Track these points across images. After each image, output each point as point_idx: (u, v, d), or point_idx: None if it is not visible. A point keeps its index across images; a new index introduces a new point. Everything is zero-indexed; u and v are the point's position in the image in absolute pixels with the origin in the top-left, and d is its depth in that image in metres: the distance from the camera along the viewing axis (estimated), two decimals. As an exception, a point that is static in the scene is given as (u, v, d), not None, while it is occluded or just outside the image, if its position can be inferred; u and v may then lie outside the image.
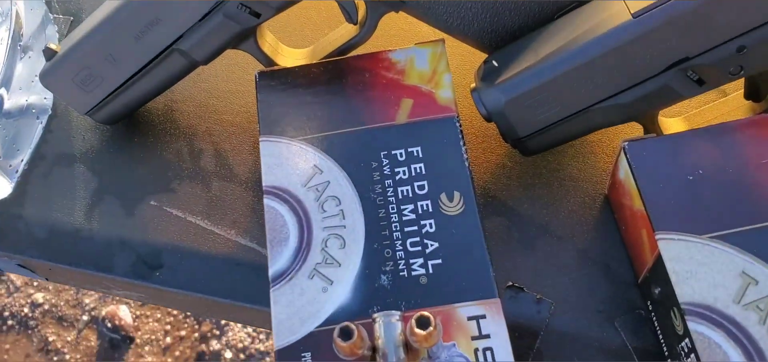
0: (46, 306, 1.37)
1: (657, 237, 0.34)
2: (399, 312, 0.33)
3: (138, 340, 1.32)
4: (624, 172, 0.37)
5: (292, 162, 0.38)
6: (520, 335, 0.38)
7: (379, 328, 0.32)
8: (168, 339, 1.32)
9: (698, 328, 0.32)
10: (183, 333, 1.33)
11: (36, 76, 0.48)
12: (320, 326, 0.34)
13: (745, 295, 0.32)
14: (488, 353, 0.33)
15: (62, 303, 1.36)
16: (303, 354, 0.34)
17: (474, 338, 0.33)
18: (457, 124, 0.38)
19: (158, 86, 0.43)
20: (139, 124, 0.47)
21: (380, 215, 0.36)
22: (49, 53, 0.43)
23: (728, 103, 0.41)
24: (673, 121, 0.41)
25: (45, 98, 0.49)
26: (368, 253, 0.35)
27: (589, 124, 0.38)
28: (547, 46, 0.36)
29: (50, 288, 1.38)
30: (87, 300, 1.36)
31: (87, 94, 0.43)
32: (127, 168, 0.46)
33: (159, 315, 1.35)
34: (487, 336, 0.33)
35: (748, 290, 0.32)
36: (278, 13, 0.40)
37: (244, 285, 0.41)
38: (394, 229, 0.36)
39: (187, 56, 0.41)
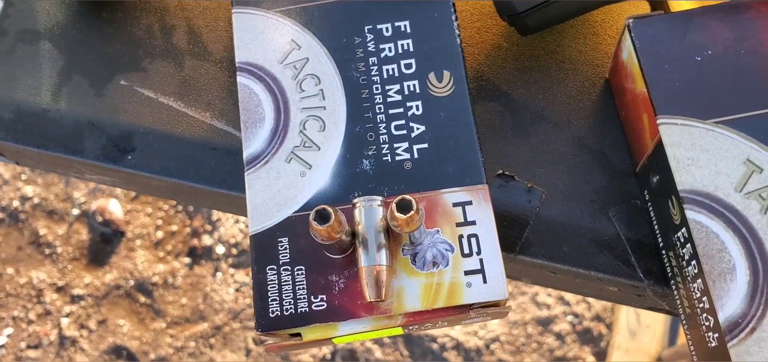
0: (36, 200, 1.35)
1: (659, 121, 0.32)
2: (380, 198, 0.31)
3: (129, 234, 1.32)
4: (627, 52, 0.34)
5: (268, 36, 0.35)
6: (508, 224, 0.37)
7: (359, 213, 0.30)
8: (159, 234, 1.32)
9: (696, 217, 0.30)
10: (174, 227, 1.33)
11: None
12: (298, 211, 0.32)
13: (748, 183, 0.30)
14: (473, 240, 0.31)
15: (52, 197, 1.35)
16: (280, 239, 0.32)
17: (459, 224, 0.31)
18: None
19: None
20: (106, -2, 0.44)
21: (363, 96, 0.34)
22: None
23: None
24: (684, 1, 0.38)
25: (4, -32, 0.45)
26: (349, 137, 0.33)
27: (593, -1, 0.35)
28: None
29: (39, 181, 1.36)
30: (77, 194, 1.34)
31: None
32: (95, 45, 0.43)
33: (150, 210, 1.34)
34: (473, 223, 0.31)
35: (752, 178, 0.30)
36: None
37: (220, 170, 0.39)
38: (377, 111, 0.33)
39: None
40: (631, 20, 0.33)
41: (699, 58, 0.32)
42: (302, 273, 0.31)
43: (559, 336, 1.20)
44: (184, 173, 0.40)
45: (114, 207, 1.35)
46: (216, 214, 1.32)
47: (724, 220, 0.30)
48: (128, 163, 0.40)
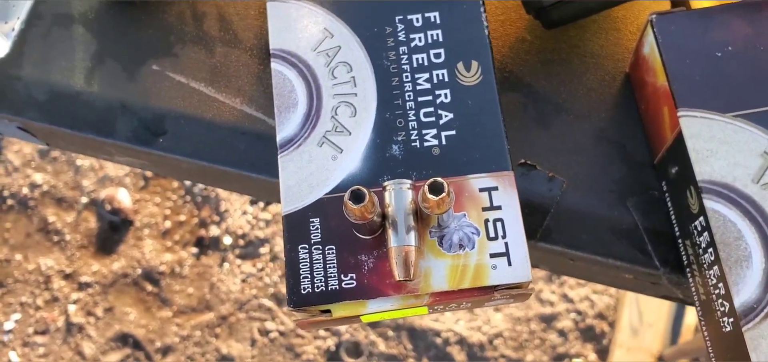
0: (45, 188, 1.37)
1: (679, 113, 0.33)
2: (410, 181, 0.32)
3: (137, 223, 1.33)
4: (649, 46, 0.35)
5: (301, 24, 0.36)
6: (529, 212, 0.38)
7: (389, 196, 0.32)
8: (167, 223, 1.33)
9: (714, 206, 0.31)
10: (182, 217, 1.34)
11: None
12: (329, 193, 0.33)
13: (765, 175, 0.31)
14: (498, 224, 0.32)
15: (61, 185, 1.37)
16: (312, 219, 0.33)
17: (485, 209, 0.33)
18: (477, -10, 0.36)
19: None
20: (139, -15, 0.45)
21: (393, 83, 0.35)
22: None
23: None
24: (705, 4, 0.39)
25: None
26: (379, 122, 0.34)
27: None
28: None
29: (49, 168, 1.38)
30: (86, 183, 1.36)
31: None
32: (128, 30, 0.44)
33: (158, 199, 1.35)
34: (499, 208, 0.33)
35: (769, 170, 0.32)
36: None
37: (250, 154, 0.40)
38: (407, 99, 0.35)
39: None
40: (654, 16, 0.35)
41: (719, 54, 0.34)
42: (333, 253, 0.32)
43: (562, 333, 1.22)
44: (215, 156, 0.41)
45: (123, 196, 1.36)
46: (224, 205, 1.33)
47: (741, 210, 0.31)
48: (159, 145, 0.42)
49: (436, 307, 0.33)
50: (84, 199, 1.37)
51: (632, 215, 0.37)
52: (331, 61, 0.36)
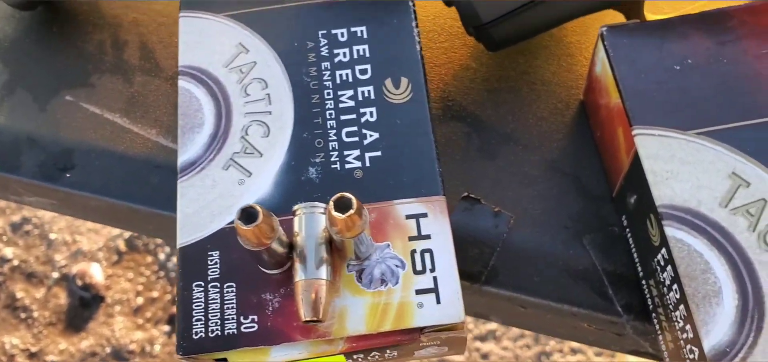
0: (16, 262, 1.31)
1: (634, 132, 0.29)
2: (324, 205, 0.27)
3: (109, 299, 1.27)
4: (601, 63, 0.32)
5: (214, 40, 0.33)
6: (473, 251, 0.33)
7: (298, 222, 0.27)
8: (139, 300, 1.27)
9: (676, 234, 0.27)
10: (155, 293, 1.28)
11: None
12: (231, 222, 0.29)
13: (734, 198, 0.27)
14: (427, 255, 0.28)
15: (32, 259, 1.31)
16: (210, 253, 0.28)
17: (412, 238, 0.28)
18: (411, 4, 0.33)
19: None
20: (60, 13, 0.42)
21: (313, 101, 0.31)
22: None
23: None
24: (661, 17, 0.35)
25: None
26: (295, 143, 0.30)
27: (562, 9, 0.32)
28: None
29: (20, 243, 1.33)
30: (58, 257, 1.30)
31: None
32: (43, 59, 0.40)
33: (131, 275, 1.30)
34: (427, 237, 0.28)
35: (738, 192, 0.27)
36: None
37: (163, 190, 0.36)
38: (328, 117, 0.31)
39: None
40: (604, 28, 0.31)
41: (678, 67, 0.30)
42: (232, 291, 0.28)
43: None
44: (124, 193, 0.37)
45: (95, 271, 1.31)
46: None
47: (708, 238, 0.26)
48: (66, 181, 0.37)
49: (354, 357, 0.28)
50: (55, 274, 1.32)
51: (590, 254, 0.32)
52: (244, 78, 0.32)
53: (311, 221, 0.27)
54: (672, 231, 0.27)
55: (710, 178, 0.27)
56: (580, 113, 0.36)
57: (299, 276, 0.26)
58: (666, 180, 0.28)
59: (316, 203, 0.27)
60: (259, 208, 0.25)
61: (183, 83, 0.32)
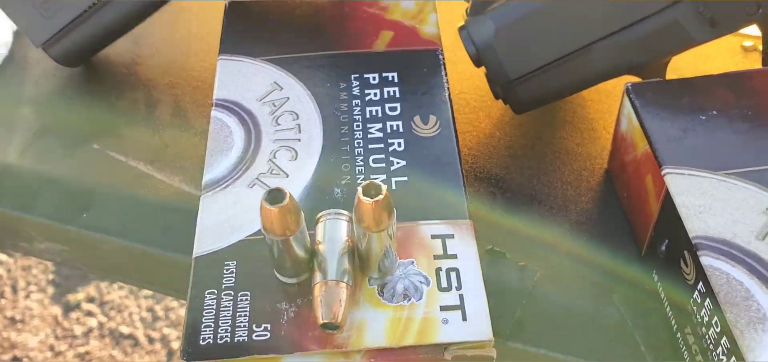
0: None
1: (664, 171, 0.28)
2: (348, 213, 0.27)
3: None
4: (626, 119, 0.32)
5: (250, 79, 0.34)
6: (497, 305, 0.31)
7: (322, 229, 0.26)
8: None
9: (713, 264, 0.26)
10: None
11: None
12: (252, 234, 0.28)
13: (773, 232, 0.26)
14: (452, 274, 0.26)
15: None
16: (226, 263, 0.27)
17: (437, 257, 0.27)
18: (440, 56, 0.34)
19: (123, 18, 0.40)
20: (98, 72, 0.43)
21: (342, 131, 0.31)
22: (12, -24, 0.40)
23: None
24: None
25: (3, 46, 0.45)
26: (322, 166, 0.30)
27: (588, 71, 0.34)
28: (543, -27, 0.33)
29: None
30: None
31: (46, 20, 0.39)
32: (75, 112, 0.41)
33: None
34: (454, 256, 0.27)
35: (776, 227, 0.26)
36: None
37: (178, 233, 0.35)
38: (356, 145, 0.31)
39: None
40: (629, 84, 0.32)
41: (703, 117, 0.30)
42: (247, 299, 0.26)
43: None
44: (139, 234, 0.36)
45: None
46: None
47: (747, 267, 0.25)
48: (81, 221, 0.37)
49: (371, 379, 0.26)
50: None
51: (620, 311, 0.31)
52: (276, 110, 0.32)
53: (335, 227, 0.26)
54: (708, 260, 0.26)
55: (744, 214, 0.27)
56: (606, 181, 0.36)
57: (318, 279, 0.25)
58: (699, 214, 0.27)
59: (341, 210, 0.27)
60: (286, 191, 0.24)
61: (216, 113, 0.33)
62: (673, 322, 0.29)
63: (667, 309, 0.30)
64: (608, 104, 0.39)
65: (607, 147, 0.37)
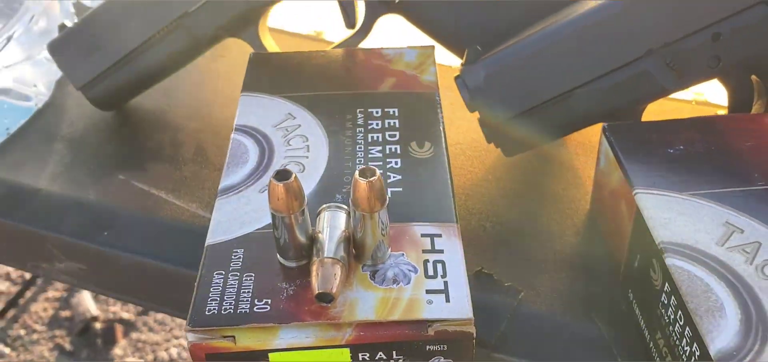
0: None
1: (634, 192, 0.31)
2: (347, 208, 0.30)
3: None
4: (604, 156, 0.36)
5: (268, 110, 0.38)
6: (484, 319, 0.34)
7: (323, 218, 0.29)
8: None
9: (676, 263, 0.28)
10: None
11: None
12: (261, 228, 0.31)
13: (729, 240, 0.29)
14: (439, 265, 0.29)
15: None
16: (235, 250, 0.30)
17: (425, 251, 0.30)
18: (437, 97, 0.38)
19: (158, 65, 0.44)
20: (130, 117, 0.48)
21: (346, 152, 0.35)
22: (61, 28, 0.45)
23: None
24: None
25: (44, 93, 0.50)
26: (326, 177, 0.33)
27: (570, 115, 0.37)
28: (532, 29, 0.37)
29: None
30: None
31: (87, 63, 0.44)
32: (106, 148, 0.46)
33: None
34: (441, 251, 0.30)
35: (733, 236, 0.29)
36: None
37: (192, 251, 0.38)
38: (358, 162, 0.34)
39: (189, 33, 0.43)
40: (605, 124, 0.36)
41: (671, 150, 0.33)
42: (251, 279, 0.29)
43: None
44: (154, 252, 0.39)
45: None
46: None
47: (708, 267, 0.28)
48: (102, 239, 0.40)
49: (361, 355, 0.28)
50: None
51: (597, 326, 0.33)
52: (288, 135, 0.36)
53: (334, 217, 0.29)
54: (672, 260, 0.28)
55: (705, 225, 0.30)
56: (589, 220, 0.38)
57: (317, 257, 0.28)
58: (665, 225, 0.30)
59: (340, 204, 0.30)
60: (292, 172, 0.27)
61: (235, 135, 0.36)
62: (646, 333, 0.31)
63: (641, 320, 0.32)
64: (592, 156, 0.42)
65: (589, 191, 0.40)
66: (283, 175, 0.27)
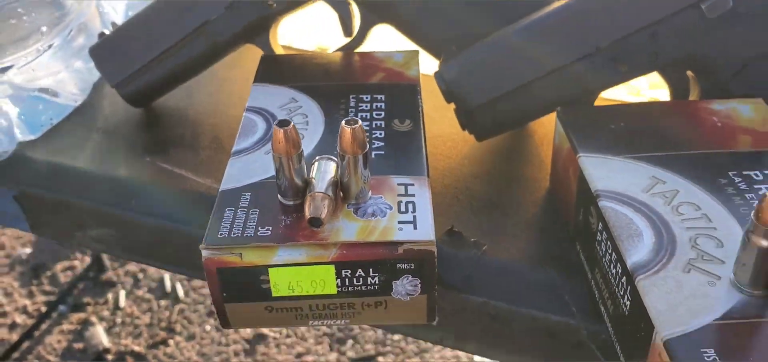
0: None
1: (578, 156, 0.38)
2: (336, 159, 0.36)
3: None
4: (558, 135, 0.42)
5: (275, 96, 0.45)
6: (452, 268, 0.39)
7: (315, 166, 0.36)
8: None
9: (608, 204, 0.34)
10: None
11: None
12: (268, 178, 0.37)
13: (653, 188, 0.35)
14: (410, 204, 0.35)
15: None
16: (244, 193, 0.36)
17: (400, 195, 0.36)
18: (418, 87, 0.45)
19: (182, 67, 0.52)
20: (155, 112, 0.55)
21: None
22: (101, 35, 0.53)
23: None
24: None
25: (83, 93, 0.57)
26: (321, 145, 0.40)
27: (533, 103, 0.44)
28: (501, 31, 0.44)
29: None
30: None
31: (121, 64, 0.52)
32: (133, 137, 0.52)
33: None
34: (412, 195, 0.36)
35: (656, 186, 0.35)
36: (289, 8, 0.50)
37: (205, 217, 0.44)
38: (348, 133, 0.41)
39: (210, 38, 0.50)
40: (559, 108, 0.42)
41: (613, 127, 0.40)
42: (256, 213, 0.35)
43: None
44: (175, 218, 0.45)
45: None
46: None
47: (633, 208, 0.34)
48: (131, 206, 0.46)
49: (343, 272, 0.34)
50: None
51: (549, 273, 0.38)
52: (291, 113, 0.43)
53: (325, 165, 0.36)
54: (604, 203, 0.34)
55: (635, 178, 0.35)
56: (548, 196, 0.44)
57: (309, 193, 0.34)
58: (601, 179, 0.36)
59: (331, 156, 0.36)
60: (291, 121, 0.34)
61: (246, 114, 0.43)
62: (589, 274, 0.37)
63: (585, 265, 0.37)
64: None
65: (549, 171, 0.46)
66: (283, 122, 0.34)
